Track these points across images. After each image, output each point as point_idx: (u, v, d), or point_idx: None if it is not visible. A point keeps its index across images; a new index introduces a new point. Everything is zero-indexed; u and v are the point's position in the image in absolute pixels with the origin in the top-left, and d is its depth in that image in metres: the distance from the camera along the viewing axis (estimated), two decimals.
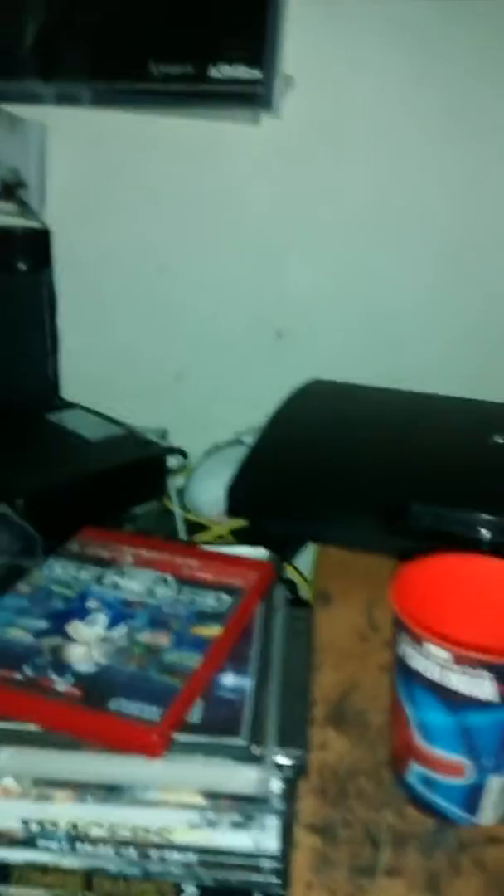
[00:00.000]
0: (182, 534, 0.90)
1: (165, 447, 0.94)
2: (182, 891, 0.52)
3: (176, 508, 0.91)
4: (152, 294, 1.00)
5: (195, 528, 0.90)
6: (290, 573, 0.81)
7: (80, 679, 0.52)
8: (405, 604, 0.49)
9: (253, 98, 0.87)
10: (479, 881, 0.48)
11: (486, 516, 0.70)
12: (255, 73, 0.86)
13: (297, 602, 0.71)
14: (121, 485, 0.87)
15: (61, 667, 0.53)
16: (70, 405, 0.98)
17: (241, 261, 0.98)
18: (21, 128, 0.92)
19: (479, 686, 0.46)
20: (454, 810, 0.51)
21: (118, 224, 0.98)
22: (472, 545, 0.69)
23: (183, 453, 0.98)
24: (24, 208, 0.95)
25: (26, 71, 0.90)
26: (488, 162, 0.92)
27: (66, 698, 0.51)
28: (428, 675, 0.47)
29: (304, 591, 0.81)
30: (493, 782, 0.49)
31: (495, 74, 0.88)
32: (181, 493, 0.94)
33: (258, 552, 0.67)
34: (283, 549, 0.78)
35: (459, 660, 0.46)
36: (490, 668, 0.45)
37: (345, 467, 0.77)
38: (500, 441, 0.80)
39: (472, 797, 0.50)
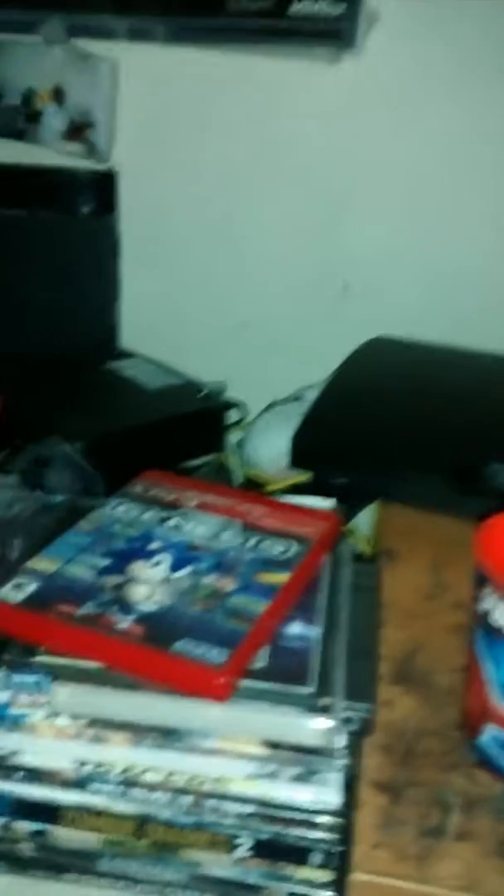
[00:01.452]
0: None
1: (224, 400, 0.92)
2: (236, 844, 0.50)
3: (234, 462, 0.89)
4: (217, 241, 0.98)
5: (253, 483, 0.88)
6: (353, 532, 0.79)
7: (143, 618, 0.50)
8: (491, 558, 0.46)
9: (335, 35, 0.83)
10: None
11: None
12: (338, 8, 0.82)
13: (360, 559, 0.69)
14: (178, 435, 0.86)
15: (124, 605, 0.52)
16: (130, 354, 0.96)
17: (309, 210, 0.95)
18: (92, 64, 0.90)
19: None
20: None
21: (186, 168, 0.95)
22: None
23: (241, 407, 0.96)
24: (92, 149, 0.93)
25: (99, 4, 0.87)
26: None
27: (128, 636, 0.49)
28: None
29: (364, 551, 0.78)
30: None
31: None
32: (239, 447, 0.92)
33: (325, 503, 0.65)
34: (347, 507, 0.75)
35: None
36: None
37: (414, 423, 0.74)
38: None
39: None
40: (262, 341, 1.01)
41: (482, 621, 0.47)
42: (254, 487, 0.87)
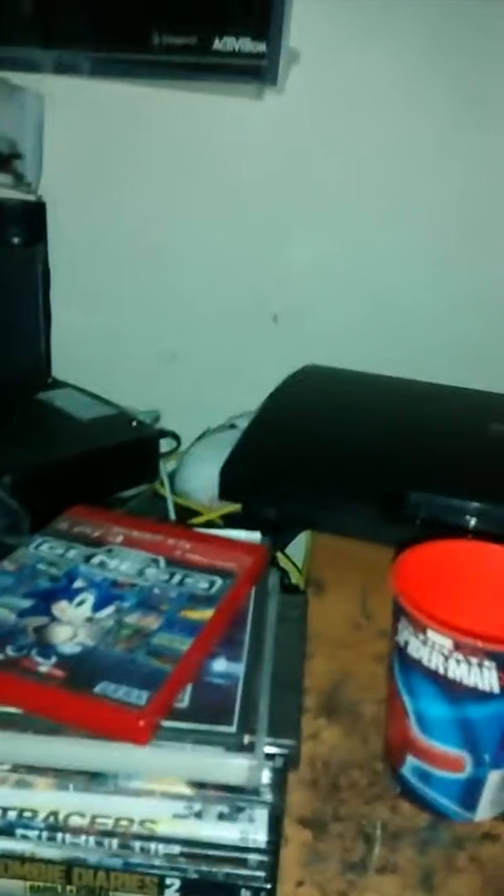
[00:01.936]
0: (173, 519, 0.88)
1: (158, 430, 0.92)
2: (165, 884, 0.50)
3: (167, 493, 0.89)
4: (148, 272, 0.98)
5: (186, 513, 0.88)
6: (281, 561, 0.80)
7: (65, 660, 0.50)
8: (406, 590, 0.47)
9: (257, 72, 0.84)
10: (474, 879, 0.46)
11: (483, 505, 0.69)
12: (259, 46, 0.83)
13: (288, 589, 0.70)
14: (111, 466, 0.85)
15: (45, 648, 0.51)
16: (61, 385, 0.95)
17: (238, 241, 0.96)
18: (19, 97, 0.90)
19: (481, 676, 0.44)
20: (451, 806, 0.49)
21: (115, 199, 0.95)
22: (469, 535, 0.67)
23: (175, 437, 0.96)
24: (20, 180, 0.92)
25: (25, 37, 0.87)
26: (495, 141, 0.90)
27: (49, 680, 0.48)
28: (428, 664, 0.45)
29: (296, 580, 0.79)
30: (492, 777, 0.48)
31: None
32: (173, 477, 0.92)
33: (252, 535, 0.65)
34: (276, 536, 0.76)
35: (462, 648, 0.44)
36: (493, 656, 0.43)
37: (341, 453, 0.75)
38: (498, 430, 0.78)
39: (469, 792, 0.48)
40: (194, 371, 1.01)
41: (399, 653, 0.48)
42: (187, 517, 0.87)
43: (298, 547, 0.80)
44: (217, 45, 0.84)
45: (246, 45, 0.84)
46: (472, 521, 0.69)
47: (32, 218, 0.94)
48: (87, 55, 0.88)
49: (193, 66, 0.85)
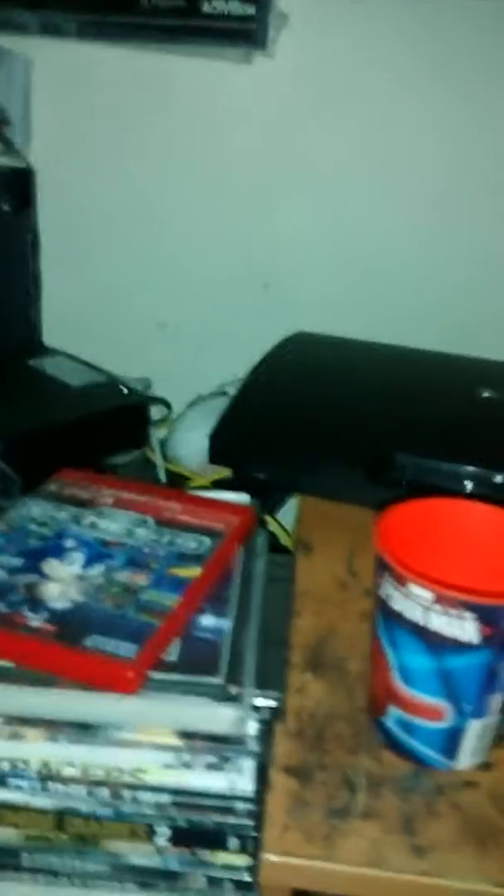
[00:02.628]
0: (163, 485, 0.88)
1: (148, 396, 0.93)
2: (155, 832, 0.51)
3: (158, 459, 0.90)
4: (137, 239, 0.98)
5: (177, 479, 0.89)
6: (272, 525, 0.81)
7: (55, 616, 0.51)
8: (389, 546, 0.48)
9: (245, 35, 0.84)
10: (454, 823, 0.48)
11: (468, 468, 0.70)
12: (248, 9, 0.83)
13: (278, 551, 0.71)
14: (101, 432, 0.86)
15: (36, 603, 0.52)
16: (51, 351, 0.96)
17: (227, 207, 0.96)
18: (5, 61, 0.89)
19: (461, 627, 0.45)
20: (432, 755, 0.50)
21: (104, 165, 0.95)
22: (454, 496, 0.68)
23: (166, 403, 0.96)
24: (7, 146, 0.92)
25: None
26: (484, 110, 0.90)
27: (40, 634, 0.50)
28: (410, 616, 0.46)
29: (286, 543, 0.80)
30: (473, 726, 0.49)
31: (494, 24, 0.86)
32: (163, 443, 0.93)
33: (240, 497, 0.66)
34: (266, 500, 0.77)
35: (442, 600, 0.45)
36: (472, 608, 0.44)
37: (328, 417, 0.76)
38: (485, 395, 0.79)
39: (450, 741, 0.50)
40: (185, 338, 1.02)
41: (382, 606, 0.49)
42: (178, 483, 0.88)
43: (290, 513, 0.81)
44: (206, 7, 0.83)
45: (235, 7, 0.83)
46: (457, 483, 0.70)
47: (21, 184, 0.94)
48: (73, 17, 0.87)
49: (182, 29, 0.85)
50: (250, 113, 0.92)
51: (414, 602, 0.46)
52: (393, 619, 0.48)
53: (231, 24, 0.84)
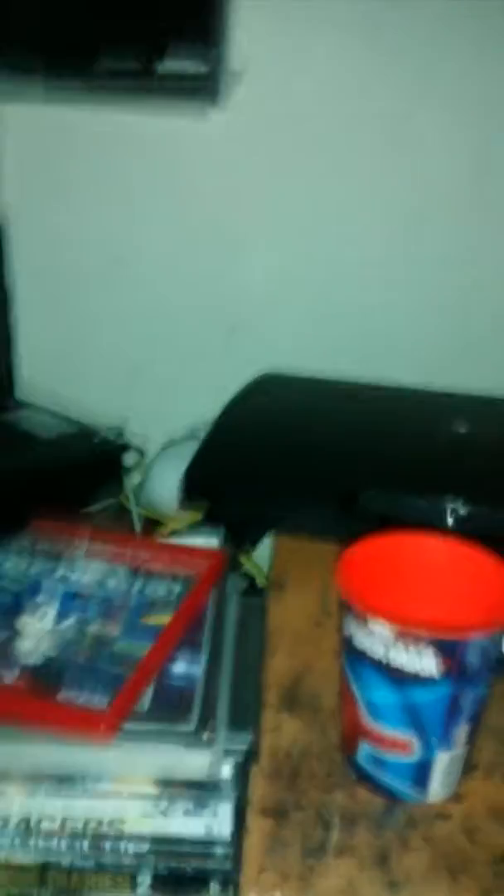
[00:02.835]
0: (139, 531, 0.89)
1: (120, 444, 0.94)
2: (136, 881, 0.52)
3: (133, 506, 0.91)
4: (107, 289, 1.00)
5: (153, 524, 0.90)
6: (248, 566, 0.82)
7: (28, 671, 0.52)
8: (351, 584, 0.49)
9: (200, 92, 0.87)
10: (427, 856, 0.49)
11: (435, 502, 0.71)
12: (201, 68, 0.86)
13: (255, 593, 0.72)
14: (75, 482, 0.87)
15: (8, 660, 0.53)
16: (25, 405, 0.97)
17: (193, 255, 0.98)
18: None
19: (422, 662, 0.46)
20: (403, 788, 0.51)
21: (72, 219, 0.97)
22: (422, 530, 0.70)
23: (139, 451, 0.98)
24: None
25: None
26: (444, 153, 0.93)
27: (14, 689, 0.51)
28: (372, 653, 0.48)
29: (262, 583, 0.81)
30: (441, 758, 0.50)
31: (448, 65, 0.89)
32: (138, 489, 0.94)
33: (210, 541, 0.67)
34: (241, 539, 0.78)
35: (402, 636, 0.46)
36: (431, 643, 0.46)
37: (297, 453, 0.77)
38: (451, 429, 0.81)
39: (420, 774, 0.50)
40: (157, 382, 1.03)
41: (347, 644, 0.50)
42: (153, 528, 0.89)
43: (267, 554, 0.83)
44: (160, 68, 0.87)
45: (188, 66, 0.86)
46: (426, 517, 0.71)
47: None
48: (32, 81, 0.89)
49: (138, 89, 0.88)
50: (211, 164, 0.94)
51: (376, 639, 0.47)
52: (357, 656, 0.49)
53: (186, 82, 0.87)
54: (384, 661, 0.47)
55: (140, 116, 0.91)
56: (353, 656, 0.49)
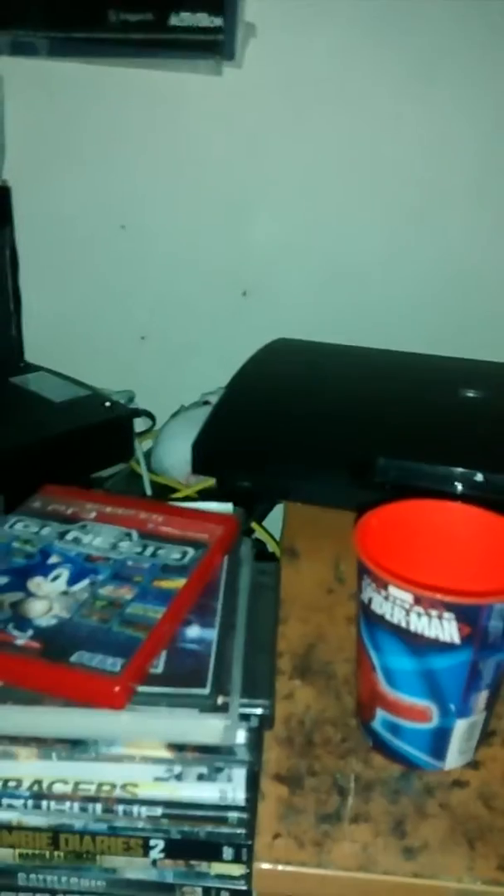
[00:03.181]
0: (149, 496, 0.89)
1: (132, 409, 0.93)
2: (149, 846, 0.51)
3: (143, 471, 0.90)
4: (115, 253, 0.99)
5: (163, 490, 0.89)
6: (259, 534, 0.81)
7: (41, 633, 0.51)
8: (369, 550, 0.48)
9: (214, 47, 0.85)
10: (444, 824, 0.48)
11: (450, 469, 0.70)
12: (216, 21, 0.83)
13: (266, 559, 0.71)
14: (86, 447, 0.86)
15: (21, 621, 0.52)
16: (34, 368, 0.96)
17: (203, 217, 0.96)
18: None
19: (441, 628, 0.45)
20: (420, 756, 0.50)
21: (79, 180, 0.96)
22: (437, 498, 0.69)
23: (150, 415, 0.97)
24: None
25: None
26: (455, 118, 0.90)
27: (26, 652, 0.50)
28: (391, 619, 0.47)
29: (274, 550, 0.80)
30: (459, 726, 0.49)
31: (463, 28, 0.87)
32: (149, 455, 0.93)
33: (224, 507, 0.67)
34: (251, 509, 0.77)
35: (421, 601, 0.45)
36: (451, 608, 0.45)
37: (310, 422, 0.76)
38: (465, 395, 0.79)
39: (438, 742, 0.50)
40: (167, 348, 1.02)
41: (364, 610, 0.49)
42: (163, 495, 0.88)
43: (278, 521, 0.82)
44: (173, 20, 0.84)
45: (202, 19, 0.84)
46: (440, 484, 0.70)
47: None
48: (42, 35, 0.87)
49: (150, 42, 0.85)
50: (223, 123, 0.92)
51: (394, 604, 0.46)
52: (375, 622, 0.48)
53: (198, 35, 0.84)
54: (402, 627, 0.46)
55: (151, 72, 0.89)
56: (371, 622, 0.49)
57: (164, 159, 0.94)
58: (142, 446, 0.92)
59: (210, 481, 0.84)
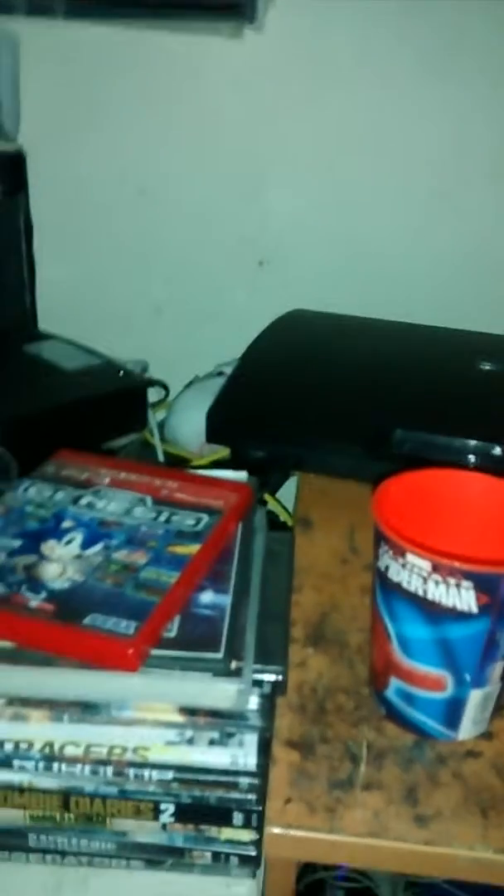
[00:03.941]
0: None
1: (145, 378, 0.92)
2: (160, 809, 0.51)
3: (156, 441, 0.90)
4: (131, 221, 0.97)
5: (176, 461, 0.89)
6: (271, 504, 0.80)
7: (54, 595, 0.51)
8: (387, 517, 0.48)
9: (236, 10, 0.83)
10: (456, 793, 0.48)
11: (466, 441, 0.69)
12: None
13: (278, 529, 0.71)
14: (99, 415, 0.86)
15: (35, 584, 0.52)
16: (48, 336, 0.95)
17: (221, 185, 0.95)
18: None
19: (459, 596, 0.45)
20: (434, 725, 0.50)
21: (95, 146, 0.94)
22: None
23: (164, 385, 0.96)
24: None
25: None
26: (476, 91, 0.89)
27: (40, 614, 0.50)
28: (408, 586, 0.46)
29: (286, 520, 0.80)
30: (474, 696, 0.49)
31: (492, 5, 0.85)
32: (162, 425, 0.92)
33: (238, 475, 0.66)
34: (266, 479, 0.76)
35: (439, 569, 0.45)
36: (470, 576, 0.44)
37: (325, 393, 0.75)
38: (481, 368, 0.78)
39: (452, 711, 0.49)
40: (182, 318, 1.01)
41: (381, 578, 0.49)
42: (176, 465, 0.88)
43: (290, 491, 0.81)
44: None
45: None
46: (455, 456, 0.69)
47: (12, 168, 0.93)
48: None
49: (172, 5, 0.84)
50: (242, 89, 0.91)
51: (412, 572, 0.46)
52: (391, 589, 0.48)
53: None
54: (420, 595, 0.46)
55: (170, 35, 0.87)
56: (387, 590, 0.48)
57: (182, 124, 0.93)
58: (155, 416, 0.92)
59: (223, 452, 0.84)
